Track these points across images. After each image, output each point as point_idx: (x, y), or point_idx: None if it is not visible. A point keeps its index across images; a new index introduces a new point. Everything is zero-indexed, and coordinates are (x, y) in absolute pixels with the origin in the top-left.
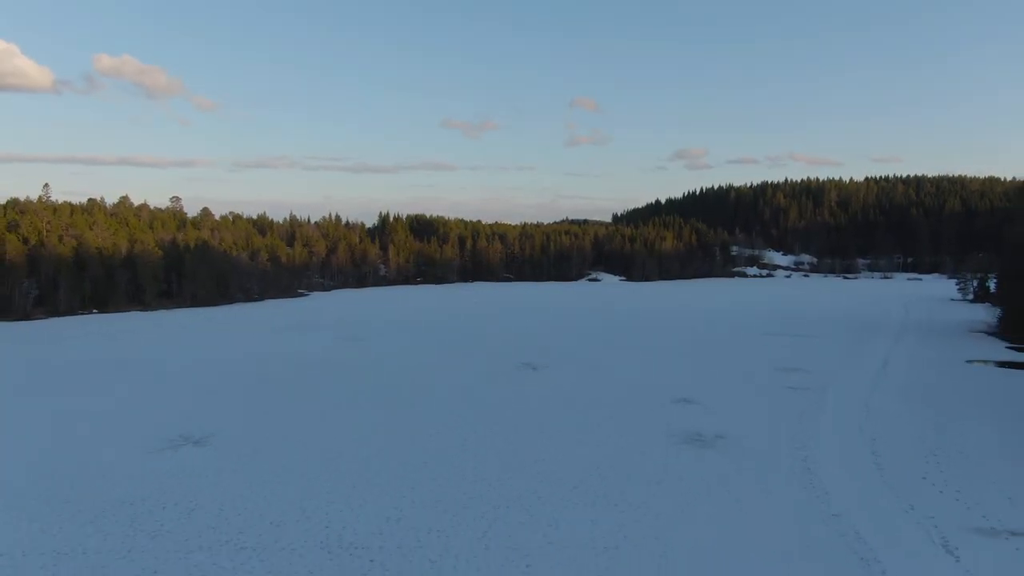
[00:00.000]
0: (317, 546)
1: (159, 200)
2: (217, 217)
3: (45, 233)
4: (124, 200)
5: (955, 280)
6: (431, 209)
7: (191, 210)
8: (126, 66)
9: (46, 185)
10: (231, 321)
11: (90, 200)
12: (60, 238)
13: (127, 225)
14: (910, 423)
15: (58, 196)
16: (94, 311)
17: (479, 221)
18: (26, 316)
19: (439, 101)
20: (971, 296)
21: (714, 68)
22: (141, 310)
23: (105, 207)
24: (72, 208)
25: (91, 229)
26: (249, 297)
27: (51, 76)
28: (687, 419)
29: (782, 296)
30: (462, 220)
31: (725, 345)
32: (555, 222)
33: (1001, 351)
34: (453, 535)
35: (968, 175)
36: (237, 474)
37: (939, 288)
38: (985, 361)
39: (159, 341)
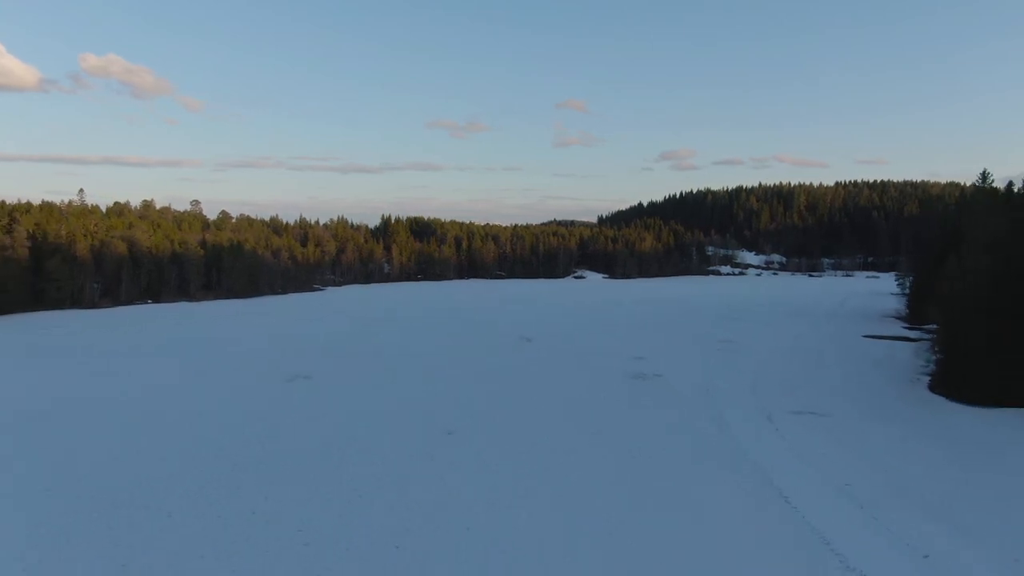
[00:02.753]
0: (409, 422)
1: (149, 199)
2: (233, 219)
3: (93, 233)
4: (150, 203)
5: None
6: (419, 209)
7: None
8: (113, 65)
9: (81, 190)
10: (272, 310)
11: (116, 203)
12: (112, 238)
13: (159, 227)
14: (791, 370)
15: (48, 196)
16: (149, 301)
17: (472, 223)
18: (94, 305)
19: (427, 101)
20: (907, 290)
21: (702, 70)
22: (188, 300)
23: (132, 209)
24: (105, 211)
25: (129, 229)
26: (274, 291)
27: (37, 75)
28: (638, 367)
29: (745, 291)
30: (458, 222)
31: (680, 325)
32: (543, 223)
33: (897, 329)
34: (491, 417)
35: (931, 180)
36: (340, 393)
37: (888, 284)
38: (877, 336)
39: (225, 324)
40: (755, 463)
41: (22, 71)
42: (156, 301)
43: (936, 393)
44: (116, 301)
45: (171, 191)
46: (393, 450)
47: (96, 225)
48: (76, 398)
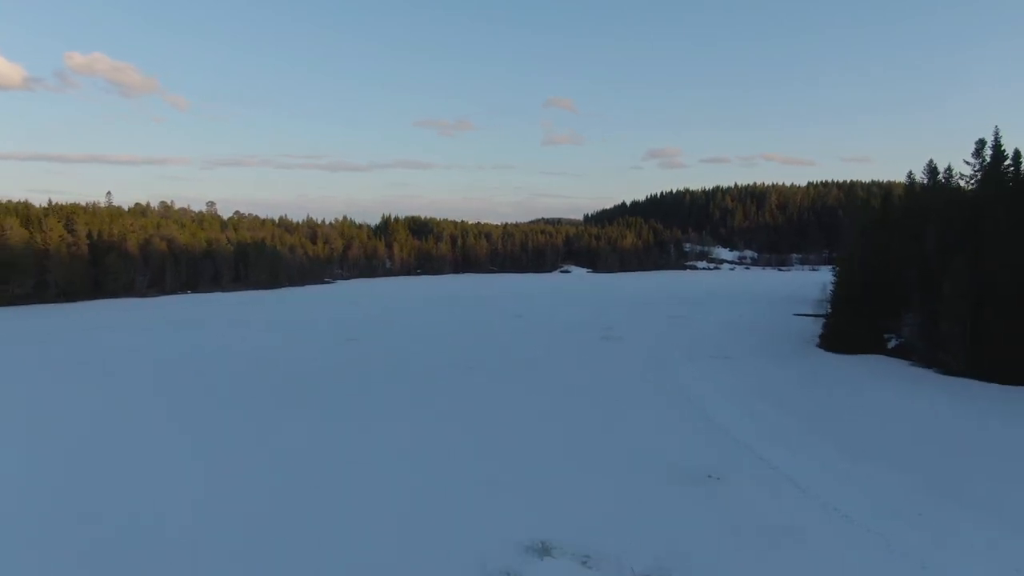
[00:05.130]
0: (439, 363)
1: (137, 197)
2: (246, 217)
3: (129, 231)
4: (170, 205)
5: None
6: (408, 207)
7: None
8: (99, 64)
9: (109, 193)
10: (301, 298)
11: (137, 204)
12: (154, 237)
13: (184, 226)
14: (721, 335)
15: (33, 194)
16: (188, 291)
17: (465, 221)
18: (143, 294)
19: (415, 100)
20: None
21: (691, 69)
22: (221, 291)
23: (153, 209)
24: (127, 210)
25: (158, 229)
26: (293, 283)
27: (23, 73)
28: (607, 332)
29: (713, 282)
30: (452, 221)
31: (646, 308)
32: (531, 221)
33: (824, 309)
34: (498, 358)
35: (896, 180)
36: (386, 347)
37: None
38: (804, 314)
39: (272, 307)
40: (674, 380)
41: (8, 69)
42: (194, 291)
43: (819, 347)
44: (161, 291)
45: (157, 189)
46: (432, 375)
47: (131, 224)
48: (220, 347)
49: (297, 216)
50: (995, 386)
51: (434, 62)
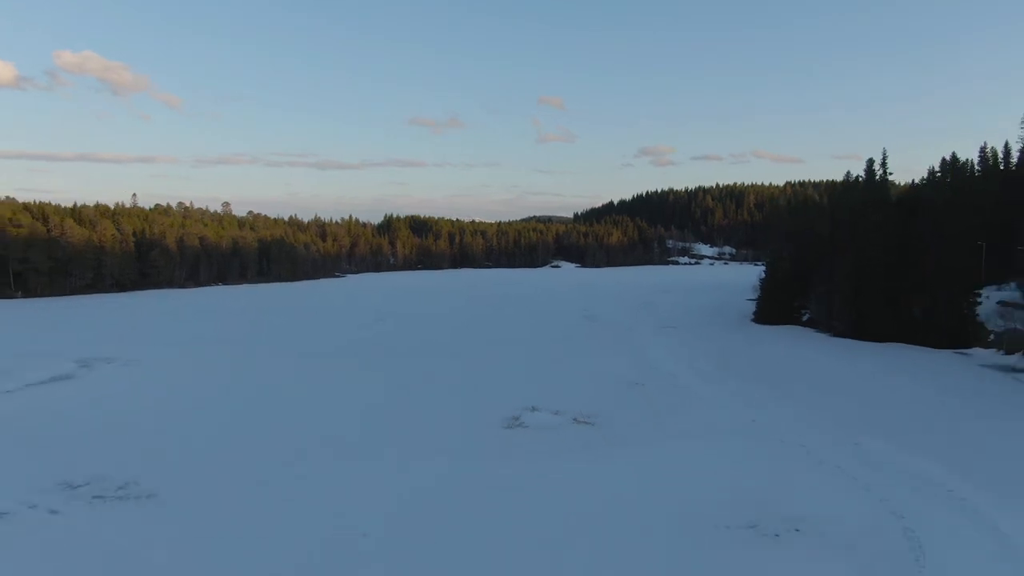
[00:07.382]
0: (452, 341)
1: (130, 196)
2: (261, 217)
3: (163, 230)
4: (189, 206)
5: None
6: (399, 206)
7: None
8: (89, 63)
9: (134, 195)
10: (321, 289)
11: (156, 205)
12: (184, 235)
13: (207, 225)
14: (679, 314)
15: (21, 193)
16: (220, 284)
17: (461, 220)
18: (182, 286)
19: (406, 98)
20: None
21: (683, 67)
22: (248, 283)
23: (173, 210)
24: (148, 210)
25: (183, 227)
26: (308, 277)
27: (14, 72)
28: (588, 315)
29: (689, 275)
30: (449, 219)
31: (623, 296)
32: (523, 219)
33: None
34: (506, 332)
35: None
36: (411, 325)
37: None
38: (753, 299)
39: (303, 296)
40: (630, 340)
41: None
42: (224, 284)
43: (752, 322)
44: (197, 283)
45: (145, 188)
46: (454, 341)
47: (161, 223)
48: (305, 325)
49: (302, 215)
50: (867, 343)
51: (426, 60)
